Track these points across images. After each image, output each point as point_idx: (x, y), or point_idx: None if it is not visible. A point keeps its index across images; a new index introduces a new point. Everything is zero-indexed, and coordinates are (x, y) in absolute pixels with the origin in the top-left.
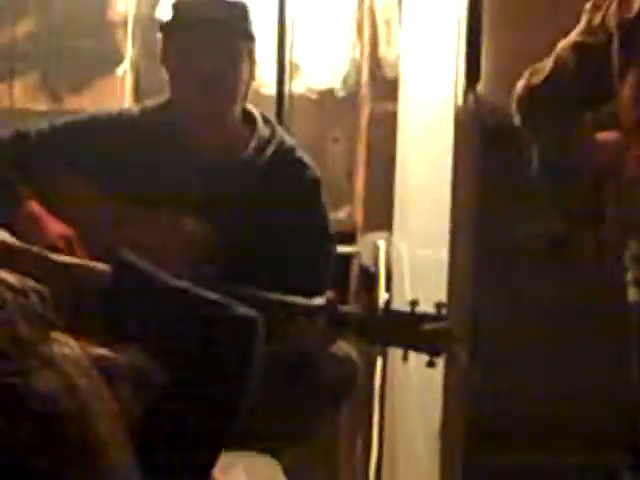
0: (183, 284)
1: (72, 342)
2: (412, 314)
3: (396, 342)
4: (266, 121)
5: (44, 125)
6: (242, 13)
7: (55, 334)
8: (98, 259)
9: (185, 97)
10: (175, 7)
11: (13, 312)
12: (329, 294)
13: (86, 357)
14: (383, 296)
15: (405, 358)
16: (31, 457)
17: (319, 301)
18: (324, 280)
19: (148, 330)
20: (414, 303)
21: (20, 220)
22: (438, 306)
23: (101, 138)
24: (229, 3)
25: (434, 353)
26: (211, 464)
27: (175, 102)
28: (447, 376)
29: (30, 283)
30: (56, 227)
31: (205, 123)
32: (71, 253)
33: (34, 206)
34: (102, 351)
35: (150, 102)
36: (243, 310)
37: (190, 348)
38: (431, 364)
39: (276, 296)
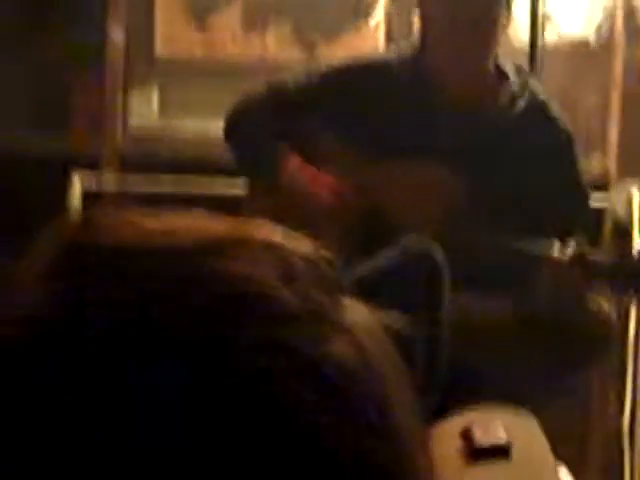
0: None
1: (363, 308)
2: None
3: None
4: (519, 73)
5: (300, 78)
6: None
7: (347, 301)
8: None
9: (439, 43)
10: None
11: (306, 281)
12: (579, 243)
13: (378, 324)
14: (636, 243)
15: None
16: (312, 416)
17: (569, 251)
18: (577, 233)
19: None
20: None
21: (289, 174)
22: None
23: (357, 89)
24: None
25: None
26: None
27: (427, 49)
28: None
29: (321, 252)
30: (328, 180)
31: (457, 71)
32: (343, 205)
33: (298, 162)
34: (392, 319)
35: (401, 47)
36: None
37: None
38: None
39: (527, 246)
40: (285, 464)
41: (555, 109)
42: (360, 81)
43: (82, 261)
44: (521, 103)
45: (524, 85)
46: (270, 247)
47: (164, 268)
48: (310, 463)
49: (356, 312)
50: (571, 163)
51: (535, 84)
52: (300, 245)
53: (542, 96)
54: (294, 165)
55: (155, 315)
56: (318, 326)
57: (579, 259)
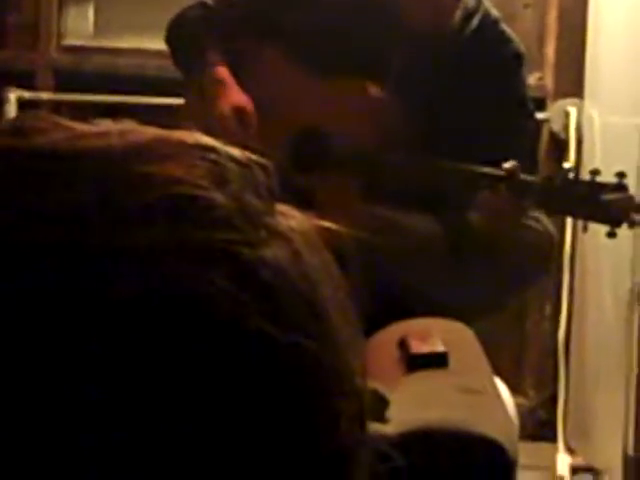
0: None
1: (298, 214)
2: (592, 183)
3: (575, 212)
4: None
5: None
6: None
7: (281, 207)
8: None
9: None
10: None
11: (240, 185)
12: (510, 163)
13: (313, 229)
14: (566, 164)
15: (585, 228)
16: (249, 321)
17: (499, 171)
18: (516, 153)
19: None
20: (594, 172)
21: (206, 83)
22: (619, 175)
23: (303, 2)
24: None
25: (615, 223)
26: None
27: None
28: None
29: (254, 157)
30: (235, 96)
31: None
32: (242, 125)
33: (220, 71)
34: (329, 224)
35: None
36: None
37: None
38: (612, 234)
39: (461, 165)
40: (224, 370)
41: (507, 28)
42: None
43: (14, 163)
44: (474, 22)
45: (478, 3)
46: (203, 150)
47: (97, 171)
48: (247, 367)
49: (291, 218)
50: (520, 83)
51: (487, 2)
52: (233, 150)
53: (495, 13)
54: (219, 72)
55: (89, 220)
56: (253, 230)
57: (509, 178)
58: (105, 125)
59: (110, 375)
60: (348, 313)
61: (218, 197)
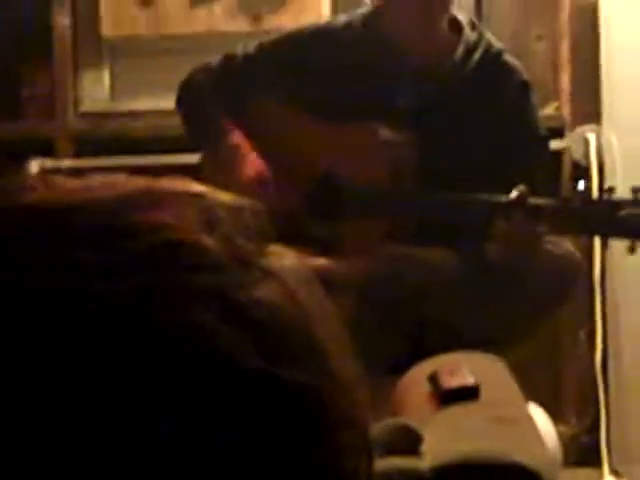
0: None
1: (291, 254)
2: (608, 201)
3: (592, 230)
4: (473, 26)
5: (250, 49)
6: None
7: (273, 247)
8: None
9: (398, 6)
10: None
11: (229, 228)
12: (519, 189)
13: (306, 267)
14: (580, 184)
15: (605, 245)
16: (249, 361)
17: (509, 198)
18: (529, 178)
19: None
20: (610, 190)
21: (223, 153)
22: (635, 191)
23: (305, 56)
24: None
25: (634, 238)
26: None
27: (385, 12)
28: None
29: (243, 200)
30: (253, 164)
31: (416, 32)
32: (261, 189)
33: (236, 138)
34: (322, 261)
35: (352, 15)
36: None
37: None
38: (632, 250)
39: (471, 196)
40: (227, 409)
41: (511, 58)
42: (307, 47)
43: (2, 220)
44: (476, 56)
45: (479, 37)
46: (191, 196)
47: (86, 222)
48: (251, 405)
49: (284, 258)
50: (529, 112)
51: (490, 36)
52: (222, 196)
53: (498, 45)
54: (234, 139)
55: (79, 271)
56: (245, 272)
57: (519, 203)
58: (95, 179)
59: (110, 412)
60: (346, 348)
61: (208, 241)
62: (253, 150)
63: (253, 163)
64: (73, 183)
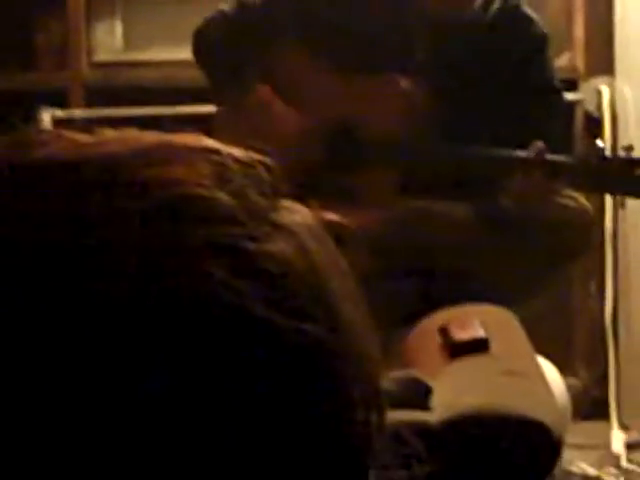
0: None
1: (303, 209)
2: (626, 159)
3: (612, 189)
4: None
5: None
6: None
7: (286, 202)
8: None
9: None
10: None
11: (242, 183)
12: (537, 145)
13: (318, 222)
14: (599, 142)
15: (622, 204)
16: (259, 311)
17: (527, 153)
18: (546, 134)
19: None
20: (629, 149)
21: (249, 107)
22: None
23: (323, 4)
24: None
25: None
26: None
27: None
28: None
29: (256, 156)
30: (285, 118)
31: None
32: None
33: (263, 92)
34: (334, 216)
35: None
36: None
37: None
38: None
39: (490, 150)
40: (236, 359)
41: (529, 10)
42: None
43: (15, 175)
44: (494, 8)
45: None
46: (204, 151)
47: (99, 176)
48: (257, 352)
49: (296, 213)
50: (546, 65)
51: None
52: (235, 150)
53: None
54: (262, 95)
55: (90, 221)
56: (257, 226)
57: (537, 159)
58: (108, 133)
59: (113, 371)
60: (358, 303)
61: (220, 195)
62: (282, 103)
63: (284, 119)
64: (86, 138)
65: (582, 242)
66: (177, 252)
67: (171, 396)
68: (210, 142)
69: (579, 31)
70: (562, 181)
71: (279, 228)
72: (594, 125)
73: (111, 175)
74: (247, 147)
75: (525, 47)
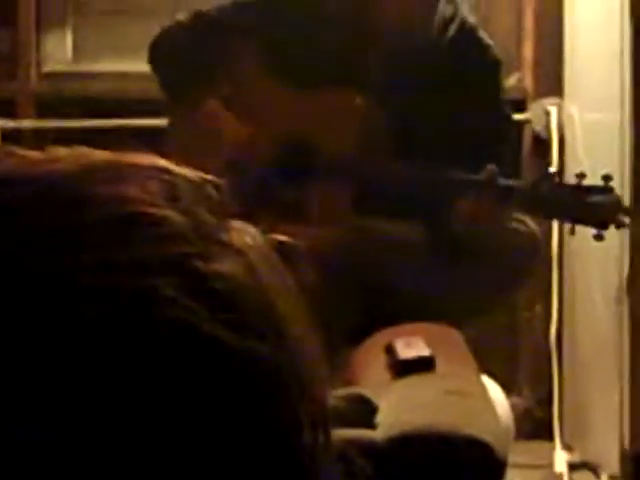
0: None
1: (252, 229)
2: (578, 187)
3: (561, 215)
4: None
5: (226, 6)
6: None
7: (235, 222)
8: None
9: None
10: None
11: (192, 202)
12: (488, 169)
13: (266, 242)
14: (551, 169)
15: (572, 231)
16: (206, 330)
17: (479, 176)
18: (497, 158)
19: None
20: (581, 176)
21: (200, 119)
22: (606, 178)
23: (282, 17)
24: None
25: (602, 226)
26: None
27: None
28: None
29: (205, 175)
30: (233, 132)
31: (392, 3)
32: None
33: (212, 105)
34: (283, 237)
35: None
36: None
37: None
38: (599, 237)
39: (440, 173)
40: (181, 378)
41: (483, 34)
42: (285, 8)
43: None
44: (451, 31)
45: (455, 11)
46: (154, 170)
47: (48, 193)
48: (204, 370)
49: (245, 233)
50: (499, 92)
51: (465, 8)
52: (184, 170)
53: (472, 20)
54: (211, 108)
55: (41, 242)
56: (206, 245)
57: (488, 183)
58: (58, 151)
59: (55, 387)
60: (305, 322)
61: (170, 214)
62: (232, 117)
63: (234, 131)
64: (36, 154)
65: (530, 265)
66: (125, 270)
67: (116, 415)
68: (161, 161)
69: (528, 51)
70: (513, 205)
71: (228, 247)
72: (542, 145)
73: (61, 193)
74: (197, 166)
75: (479, 73)
